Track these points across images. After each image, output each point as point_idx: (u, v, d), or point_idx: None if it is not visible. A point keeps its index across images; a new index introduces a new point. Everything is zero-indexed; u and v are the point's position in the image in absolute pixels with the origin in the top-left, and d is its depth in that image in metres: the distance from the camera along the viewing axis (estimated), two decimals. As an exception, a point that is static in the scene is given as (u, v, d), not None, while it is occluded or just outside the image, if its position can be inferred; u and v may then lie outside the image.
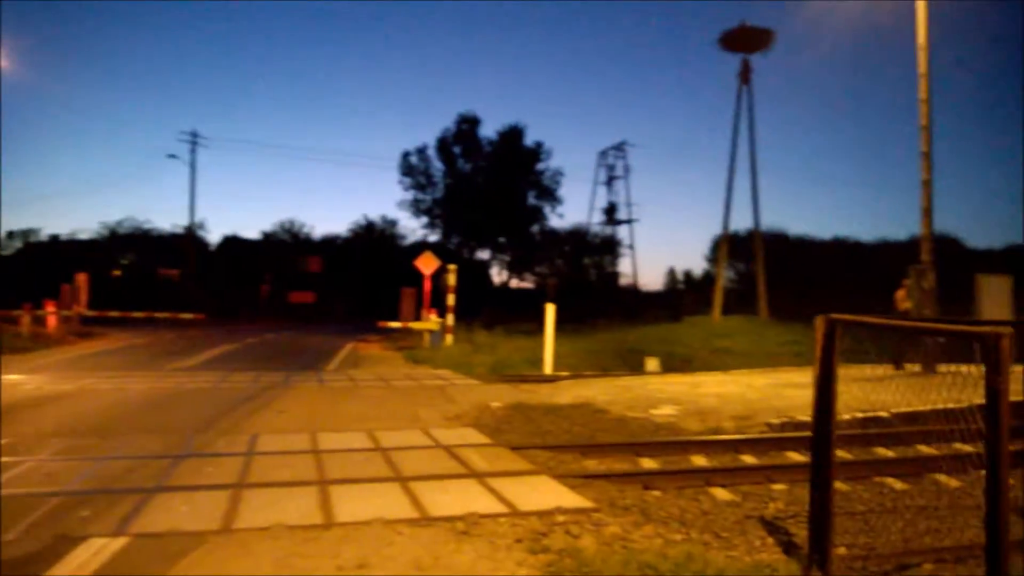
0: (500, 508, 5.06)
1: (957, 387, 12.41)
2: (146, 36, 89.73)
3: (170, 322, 30.52)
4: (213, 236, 58.18)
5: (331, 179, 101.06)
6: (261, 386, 12.20)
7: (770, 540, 5.05)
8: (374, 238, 60.34)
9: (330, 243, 60.32)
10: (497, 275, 59.02)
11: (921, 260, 14.21)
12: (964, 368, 11.83)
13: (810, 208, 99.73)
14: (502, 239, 55.65)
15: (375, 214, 64.29)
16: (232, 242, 57.46)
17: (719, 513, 5.66)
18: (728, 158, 35.88)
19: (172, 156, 46.73)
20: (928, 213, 14.23)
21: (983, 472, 7.26)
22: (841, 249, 53.27)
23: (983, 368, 2.55)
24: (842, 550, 4.68)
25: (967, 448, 8.64)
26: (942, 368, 13.85)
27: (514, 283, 58.75)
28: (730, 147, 35.96)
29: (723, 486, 6.50)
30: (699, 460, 7.59)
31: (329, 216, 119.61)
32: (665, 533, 4.88)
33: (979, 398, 9.33)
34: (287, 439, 7.61)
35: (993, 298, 13.98)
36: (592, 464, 7.14)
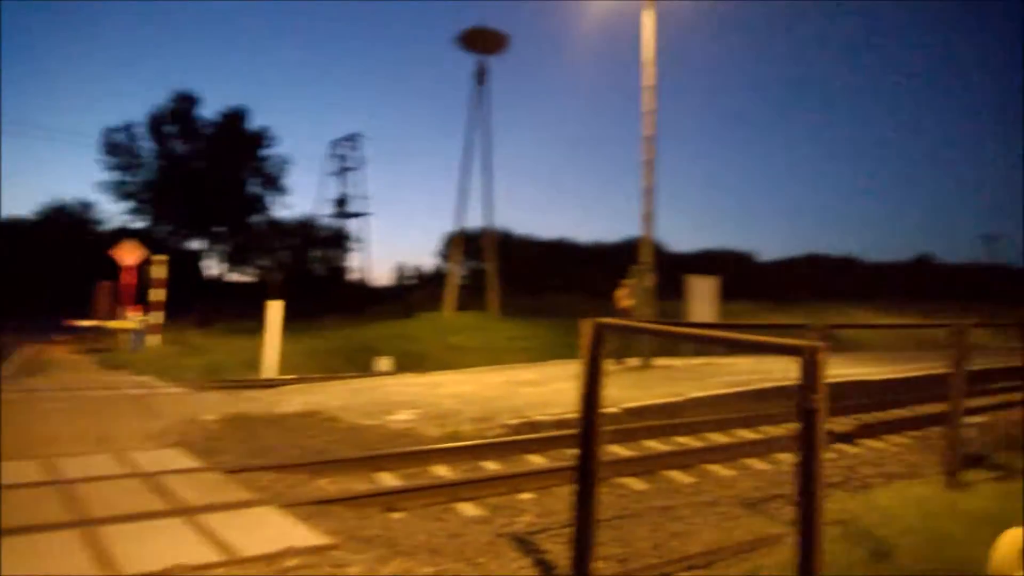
0: (214, 555, 4.17)
1: (675, 381, 13.21)
2: None
3: None
4: None
5: (13, 154, 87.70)
6: None
7: (526, 561, 4.71)
8: (64, 223, 53.24)
9: (11, 227, 52.18)
10: (214, 267, 54.97)
11: (641, 261, 15.19)
12: (677, 362, 12.59)
13: (535, 209, 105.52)
14: (220, 228, 51.88)
15: (69, 196, 56.69)
16: None
17: (469, 534, 5.23)
18: (462, 156, 36.52)
19: None
20: (650, 218, 15.25)
21: (711, 467, 7.61)
22: (562, 249, 56.79)
23: (800, 379, 2.28)
24: (600, 564, 4.45)
25: (691, 442, 9.17)
26: (658, 362, 14.93)
27: (235, 277, 55.10)
28: (463, 146, 36.61)
29: (470, 500, 6.12)
30: (442, 471, 7.17)
31: (10, 197, 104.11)
32: (415, 567, 4.33)
33: (695, 391, 9.88)
34: (-76, 476, 5.93)
35: (701, 297, 15.35)
36: (326, 485, 6.39)
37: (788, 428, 9.90)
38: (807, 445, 2.04)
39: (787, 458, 8.16)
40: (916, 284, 49.16)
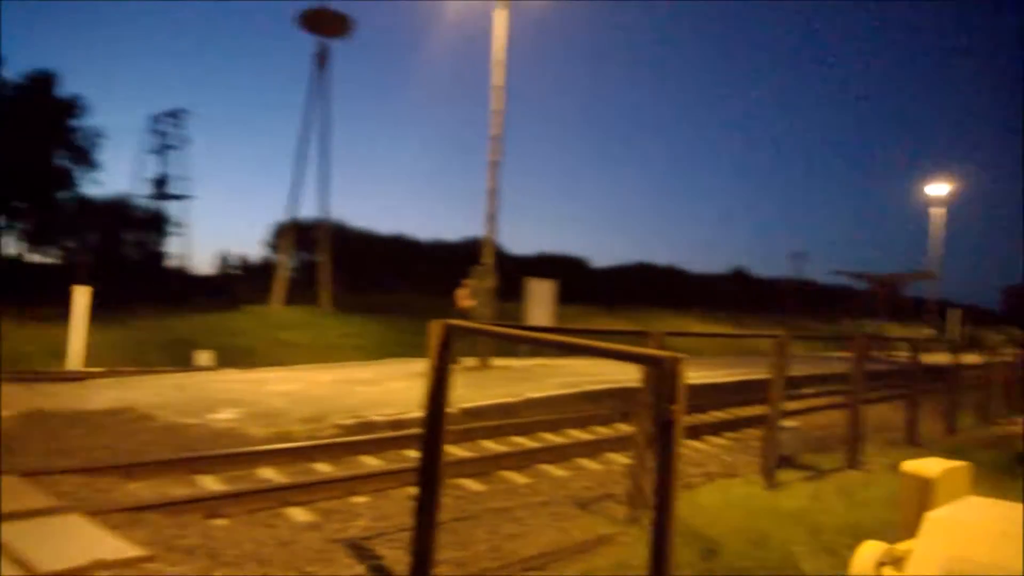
0: (8, 571, 3.73)
1: (512, 382, 13.37)
2: None
3: None
4: None
5: None
6: None
7: (361, 568, 4.58)
8: None
9: None
10: (13, 247, 49.90)
11: (483, 262, 15.29)
12: (514, 362, 12.76)
13: (373, 202, 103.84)
14: (21, 204, 47.18)
15: None
16: None
17: (300, 541, 5.01)
18: (297, 143, 35.39)
19: None
20: (493, 219, 15.37)
21: (546, 467, 7.76)
22: (400, 245, 56.27)
23: (651, 392, 2.33)
24: (443, 568, 4.40)
25: (527, 443, 9.32)
26: (496, 362, 15.09)
27: (36, 258, 50.29)
28: (300, 132, 35.47)
29: (301, 504, 5.88)
30: (270, 474, 6.84)
31: None
32: (241, 579, 4.08)
33: (531, 392, 10.04)
34: None
35: (539, 300, 15.68)
36: (139, 490, 5.92)
37: (618, 429, 10.30)
38: (664, 454, 2.08)
39: (617, 458, 8.49)
40: (733, 295, 52.92)
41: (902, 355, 15.31)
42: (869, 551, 1.93)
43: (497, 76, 15.53)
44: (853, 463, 8.04)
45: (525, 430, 9.77)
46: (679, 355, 2.05)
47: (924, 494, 2.16)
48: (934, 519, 1.86)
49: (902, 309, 32.93)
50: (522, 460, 8.01)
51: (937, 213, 35.95)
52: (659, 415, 2.07)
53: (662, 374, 2.10)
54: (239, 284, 46.41)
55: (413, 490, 3.88)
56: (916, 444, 9.68)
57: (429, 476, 3.88)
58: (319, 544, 4.97)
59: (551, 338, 2.51)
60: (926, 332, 32.13)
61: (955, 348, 11.91)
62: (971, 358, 13.78)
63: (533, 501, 6.50)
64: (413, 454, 6.40)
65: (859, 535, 4.76)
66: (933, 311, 34.92)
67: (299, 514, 5.67)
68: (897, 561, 1.94)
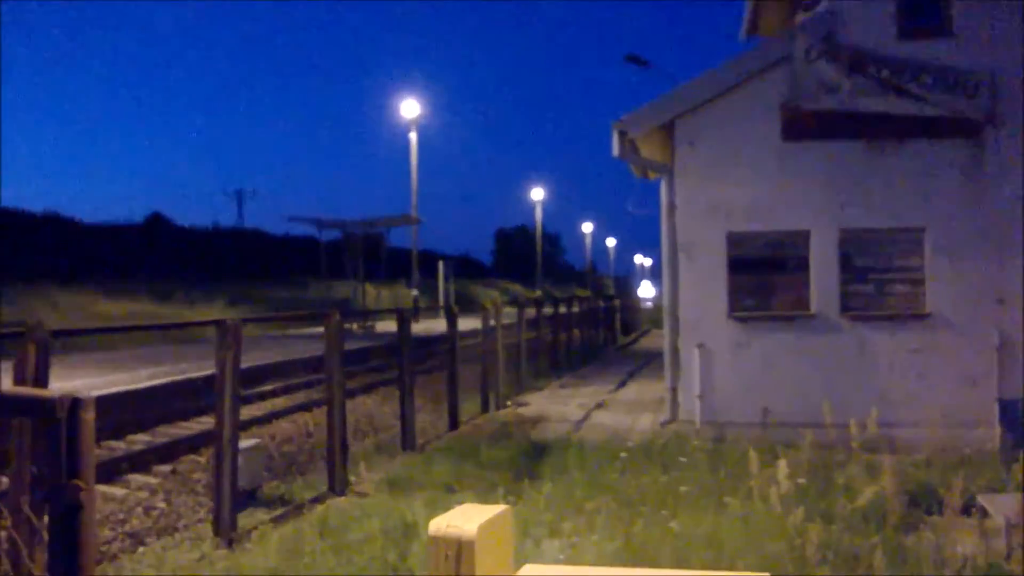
0: None
1: None
2: None
3: None
4: None
5: None
6: None
7: None
8: None
9: None
10: None
11: None
12: None
13: None
14: None
15: None
16: None
17: None
18: None
19: None
20: None
21: None
22: None
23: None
24: None
25: None
26: None
27: None
28: None
29: None
30: None
31: None
32: None
33: None
34: None
35: None
36: None
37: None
38: (65, 556, 1.76)
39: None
40: (150, 252, 52.02)
41: (388, 327, 16.69)
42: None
43: None
44: (337, 486, 8.43)
45: None
46: (82, 394, 1.72)
47: (460, 563, 2.14)
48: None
49: (382, 264, 35.65)
50: None
51: (413, 138, 39.65)
52: (54, 495, 1.74)
53: (52, 429, 1.74)
54: None
55: None
56: (413, 448, 10.55)
57: None
58: None
59: None
60: (412, 293, 35.48)
61: (451, 314, 13.28)
62: (468, 323, 15.45)
63: None
64: None
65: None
66: (418, 267, 38.59)
67: None
68: None
